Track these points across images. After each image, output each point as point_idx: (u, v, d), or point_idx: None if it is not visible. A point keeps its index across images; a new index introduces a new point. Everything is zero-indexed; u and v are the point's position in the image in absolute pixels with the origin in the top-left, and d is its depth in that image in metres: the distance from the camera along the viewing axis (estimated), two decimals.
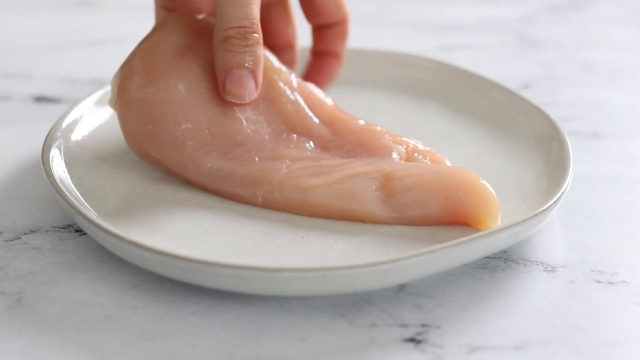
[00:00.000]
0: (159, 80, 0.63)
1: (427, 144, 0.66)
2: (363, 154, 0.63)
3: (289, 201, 0.61)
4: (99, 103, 0.71)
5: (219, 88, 0.63)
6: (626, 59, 0.93)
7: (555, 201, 0.58)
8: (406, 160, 0.63)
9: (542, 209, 0.57)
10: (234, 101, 0.63)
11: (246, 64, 0.62)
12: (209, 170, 0.63)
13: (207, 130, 0.63)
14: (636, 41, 0.98)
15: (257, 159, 0.63)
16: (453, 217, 0.59)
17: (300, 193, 0.61)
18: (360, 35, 0.97)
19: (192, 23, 0.66)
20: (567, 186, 0.60)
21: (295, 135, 0.65)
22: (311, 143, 0.64)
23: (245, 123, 0.64)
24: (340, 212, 0.61)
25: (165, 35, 0.65)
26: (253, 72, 0.63)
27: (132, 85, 0.63)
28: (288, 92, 0.66)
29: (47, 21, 1.01)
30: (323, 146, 0.64)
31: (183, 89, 0.63)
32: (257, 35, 0.63)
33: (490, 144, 0.68)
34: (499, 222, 0.58)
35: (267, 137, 0.64)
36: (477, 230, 0.59)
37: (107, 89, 0.72)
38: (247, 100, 0.63)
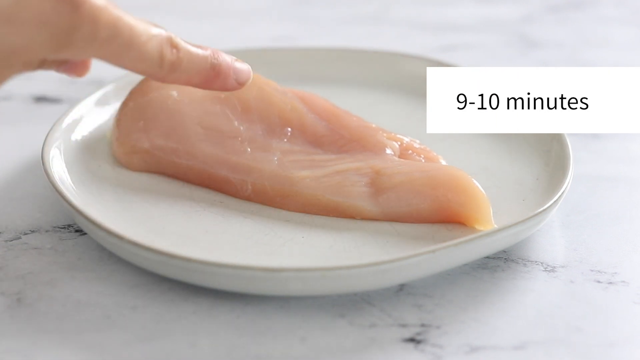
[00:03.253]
0: (152, 91, 0.66)
1: (427, 143, 0.66)
2: (357, 150, 0.64)
3: (278, 191, 0.62)
4: (99, 103, 0.71)
5: (224, 86, 0.58)
6: (626, 59, 0.93)
7: (555, 201, 0.58)
8: (400, 157, 0.63)
9: (542, 209, 0.57)
10: (243, 77, 0.59)
11: (208, 51, 0.57)
12: (201, 154, 0.64)
13: (198, 125, 0.64)
14: (636, 41, 0.98)
15: (249, 149, 0.63)
16: (443, 215, 0.59)
17: (289, 183, 0.61)
18: (360, 35, 0.97)
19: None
20: (567, 186, 0.60)
21: (289, 130, 0.65)
22: (305, 138, 0.65)
23: (236, 123, 0.65)
24: (329, 205, 0.61)
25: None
26: (215, 53, 0.58)
27: (127, 103, 0.66)
28: (282, 92, 0.66)
29: None
30: (317, 141, 0.64)
31: (175, 94, 0.66)
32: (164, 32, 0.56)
33: (490, 143, 0.68)
34: (491, 220, 0.58)
35: (260, 132, 0.65)
36: (473, 228, 0.59)
37: (107, 89, 0.72)
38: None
